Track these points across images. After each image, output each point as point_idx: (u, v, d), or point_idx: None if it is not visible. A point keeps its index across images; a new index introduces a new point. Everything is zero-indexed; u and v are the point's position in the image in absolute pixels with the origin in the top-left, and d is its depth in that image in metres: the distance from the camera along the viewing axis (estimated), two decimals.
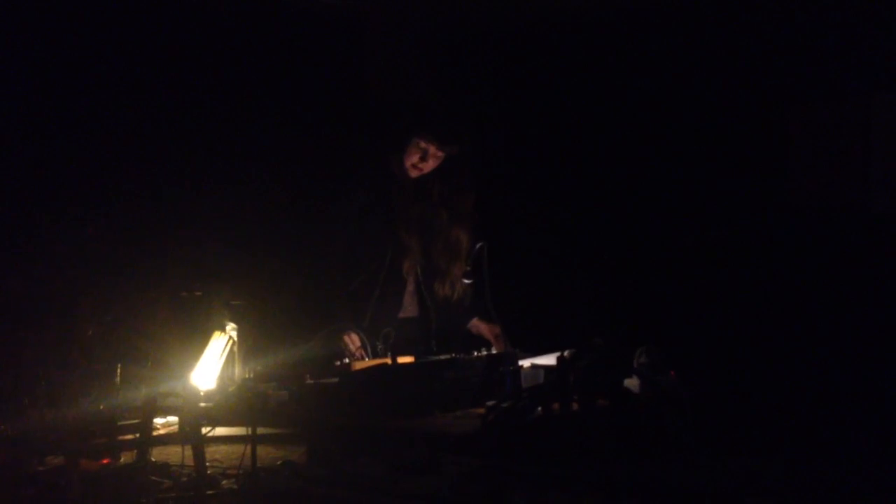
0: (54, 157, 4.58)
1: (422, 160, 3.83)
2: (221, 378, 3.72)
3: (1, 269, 4.24)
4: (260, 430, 3.54)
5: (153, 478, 3.70)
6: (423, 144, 3.81)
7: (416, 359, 3.52)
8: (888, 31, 4.89)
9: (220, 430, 3.90)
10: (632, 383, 3.31)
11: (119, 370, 4.08)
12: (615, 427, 3.13)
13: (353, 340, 3.67)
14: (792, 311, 5.06)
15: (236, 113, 5.26)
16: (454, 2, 5.73)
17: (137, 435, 3.82)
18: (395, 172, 3.87)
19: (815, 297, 5.02)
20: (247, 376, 3.57)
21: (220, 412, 3.42)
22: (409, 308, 3.94)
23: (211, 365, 3.80)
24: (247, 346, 3.69)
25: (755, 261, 5.22)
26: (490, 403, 3.03)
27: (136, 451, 3.85)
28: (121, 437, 3.88)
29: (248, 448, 3.52)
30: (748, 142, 5.30)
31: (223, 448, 4.26)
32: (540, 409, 2.95)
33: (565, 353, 3.16)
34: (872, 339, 4.84)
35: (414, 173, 3.86)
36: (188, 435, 3.65)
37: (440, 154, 3.84)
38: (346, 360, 3.48)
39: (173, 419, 4.11)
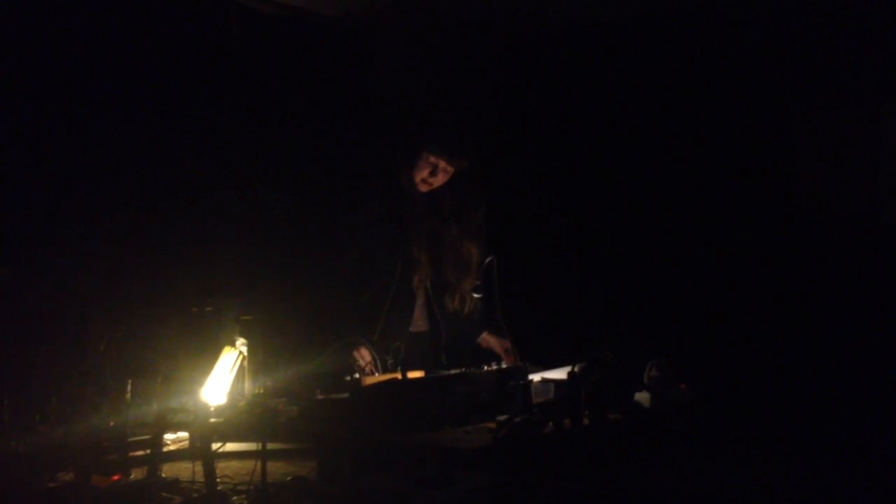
0: (65, 172, 4.59)
1: (431, 175, 3.82)
2: (232, 393, 3.72)
3: (12, 285, 4.25)
4: (270, 446, 3.53)
5: (164, 494, 3.69)
6: (432, 159, 3.81)
7: (426, 373, 3.51)
8: None
9: (231, 446, 3.89)
10: (642, 397, 3.30)
11: (130, 386, 4.08)
12: (626, 441, 3.12)
13: (363, 355, 3.67)
14: (801, 320, 5.05)
15: (247, 127, 5.27)
16: (462, 15, 5.74)
17: (148, 451, 3.82)
18: (405, 187, 3.87)
19: (824, 306, 5.01)
20: (257, 391, 3.57)
21: (230, 428, 3.42)
22: (419, 322, 3.94)
23: (221, 380, 3.79)
24: (257, 362, 3.69)
25: (764, 271, 5.21)
26: (501, 418, 3.02)
27: (146, 467, 3.85)
28: (131, 454, 3.88)
29: (259, 464, 3.51)
30: (756, 151, 5.30)
31: (233, 464, 4.25)
32: (551, 424, 2.94)
33: (575, 368, 3.15)
34: (881, 347, 4.83)
35: (423, 188, 3.86)
36: (198, 451, 3.65)
37: (450, 169, 3.83)
38: (357, 375, 3.47)
39: (184, 435, 4.10)
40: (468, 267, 3.91)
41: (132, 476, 3.93)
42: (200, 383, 3.82)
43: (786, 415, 4.86)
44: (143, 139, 4.85)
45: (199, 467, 3.72)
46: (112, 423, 3.91)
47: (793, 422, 4.82)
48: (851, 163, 5.06)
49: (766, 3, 5.24)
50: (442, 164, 3.82)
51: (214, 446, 3.60)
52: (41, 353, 4.15)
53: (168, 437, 4.06)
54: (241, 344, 3.77)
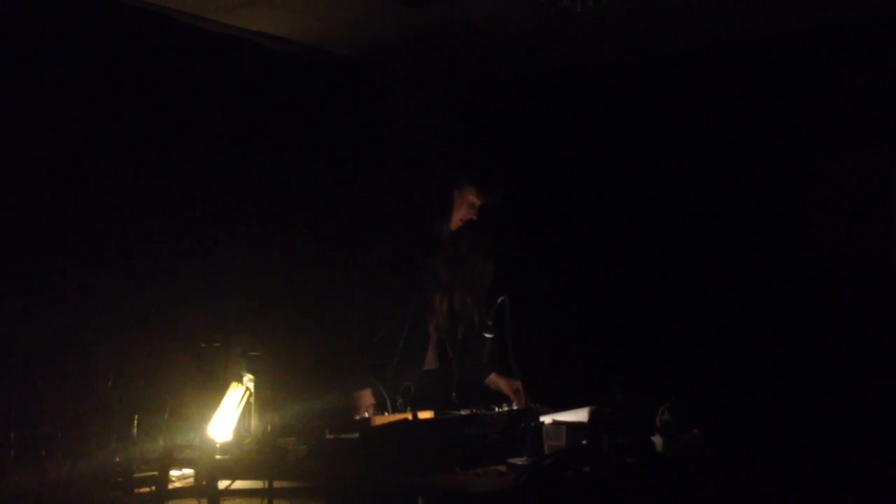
0: (75, 209, 4.59)
1: (469, 212, 3.81)
2: (237, 430, 3.69)
3: (20, 321, 4.23)
4: (276, 484, 3.50)
5: None
6: (468, 197, 3.79)
7: (436, 413, 3.48)
8: None
9: (236, 483, 3.86)
10: (655, 441, 3.26)
11: (136, 422, 4.06)
12: (642, 485, 3.08)
13: (365, 397, 3.63)
14: (816, 362, 5.02)
15: (259, 165, 5.27)
16: (476, 56, 5.76)
17: (153, 488, 3.79)
18: (432, 231, 3.81)
19: (839, 350, 4.98)
20: (266, 429, 3.53)
21: (236, 465, 3.39)
22: (431, 360, 3.91)
23: (227, 416, 3.76)
24: (263, 398, 3.66)
25: (778, 314, 5.19)
26: (519, 461, 2.99)
27: None
28: (137, 490, 3.85)
29: (265, 502, 3.48)
30: (771, 194, 5.30)
31: (239, 501, 4.21)
32: (570, 472, 2.90)
33: (592, 413, 3.12)
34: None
35: (458, 225, 3.84)
36: (204, 488, 3.61)
37: (479, 202, 3.82)
38: (367, 415, 3.44)
39: (189, 472, 4.07)
40: (480, 303, 3.89)
41: None
42: (207, 419, 3.79)
43: (800, 459, 4.81)
44: (153, 176, 4.86)
45: None
46: (118, 459, 3.88)
47: (808, 466, 4.78)
48: (865, 205, 5.06)
49: (782, 48, 5.26)
50: (472, 198, 3.80)
51: (223, 484, 3.56)
52: (49, 388, 4.13)
53: (174, 473, 4.03)
54: (247, 380, 3.75)
